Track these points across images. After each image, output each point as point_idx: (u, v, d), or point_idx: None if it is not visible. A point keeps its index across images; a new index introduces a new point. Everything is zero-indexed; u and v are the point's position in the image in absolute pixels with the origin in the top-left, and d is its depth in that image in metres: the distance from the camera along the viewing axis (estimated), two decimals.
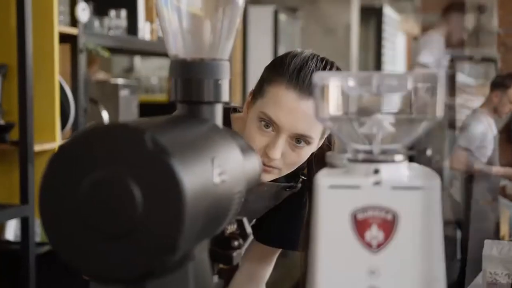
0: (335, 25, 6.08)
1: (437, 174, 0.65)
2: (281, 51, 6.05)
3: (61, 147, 0.61)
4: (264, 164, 1.24)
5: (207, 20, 0.78)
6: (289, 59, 1.26)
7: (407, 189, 0.62)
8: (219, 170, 0.66)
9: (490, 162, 4.15)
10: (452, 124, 4.51)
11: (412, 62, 4.28)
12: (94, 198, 0.59)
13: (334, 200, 0.64)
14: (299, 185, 1.40)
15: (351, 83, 0.65)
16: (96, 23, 3.03)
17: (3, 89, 2.49)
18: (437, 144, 4.63)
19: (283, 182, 1.38)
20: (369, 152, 0.66)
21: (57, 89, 2.53)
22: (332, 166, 0.70)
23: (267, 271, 1.56)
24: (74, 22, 2.69)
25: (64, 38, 2.66)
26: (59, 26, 2.59)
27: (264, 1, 6.67)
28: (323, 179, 0.64)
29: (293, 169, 1.30)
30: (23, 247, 2.52)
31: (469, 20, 9.25)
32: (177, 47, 0.77)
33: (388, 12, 8.09)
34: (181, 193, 0.57)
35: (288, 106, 1.22)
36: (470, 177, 4.30)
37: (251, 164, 0.78)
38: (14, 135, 2.47)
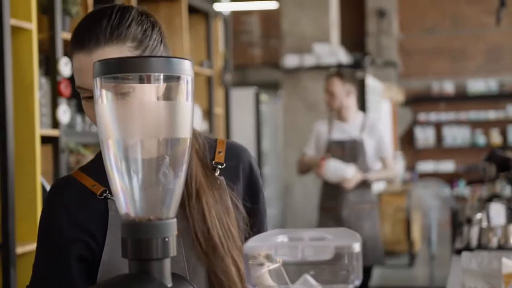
0: (317, 99, 6.20)
1: None
2: (264, 130, 6.18)
3: None
4: None
5: (153, 183, 0.85)
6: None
7: None
8: None
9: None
10: None
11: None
12: None
13: None
14: None
15: (280, 251, 0.72)
16: (79, 119, 3.12)
17: None
18: None
19: None
20: None
21: (39, 190, 2.58)
22: None
23: None
24: (55, 123, 2.77)
25: (46, 139, 2.74)
26: (41, 129, 2.67)
27: (246, 80, 6.78)
28: None
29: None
30: None
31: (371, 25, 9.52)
32: (127, 207, 0.84)
33: (371, 82, 8.25)
34: None
35: (84, 67, 1.14)
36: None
37: None
38: None
